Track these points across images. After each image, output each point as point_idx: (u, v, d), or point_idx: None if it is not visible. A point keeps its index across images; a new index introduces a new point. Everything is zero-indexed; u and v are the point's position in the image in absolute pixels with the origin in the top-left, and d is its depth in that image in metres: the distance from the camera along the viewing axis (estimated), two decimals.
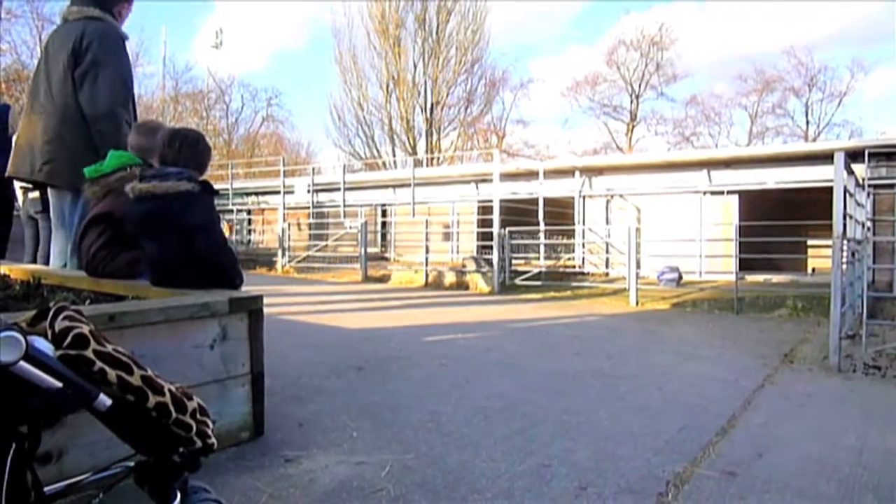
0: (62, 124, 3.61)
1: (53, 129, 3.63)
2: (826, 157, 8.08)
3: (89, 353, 1.21)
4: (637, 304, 8.05)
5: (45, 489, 1.28)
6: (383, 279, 11.61)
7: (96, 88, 3.53)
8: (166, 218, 2.67)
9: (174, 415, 1.30)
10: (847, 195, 5.30)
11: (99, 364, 1.21)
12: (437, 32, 27.61)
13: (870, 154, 9.34)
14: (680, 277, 10.45)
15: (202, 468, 1.46)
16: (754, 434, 2.80)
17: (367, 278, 11.72)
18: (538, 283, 10.02)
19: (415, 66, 27.88)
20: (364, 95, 28.30)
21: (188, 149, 2.85)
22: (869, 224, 7.53)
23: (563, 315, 7.04)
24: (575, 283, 10.04)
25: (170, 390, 1.31)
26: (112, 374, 1.23)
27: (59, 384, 1.15)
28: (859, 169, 8.85)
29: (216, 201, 2.98)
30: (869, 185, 9.18)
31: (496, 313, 7.15)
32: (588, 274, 11.76)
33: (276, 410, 2.88)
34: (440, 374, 3.92)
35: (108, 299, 2.79)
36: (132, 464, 1.40)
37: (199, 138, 2.97)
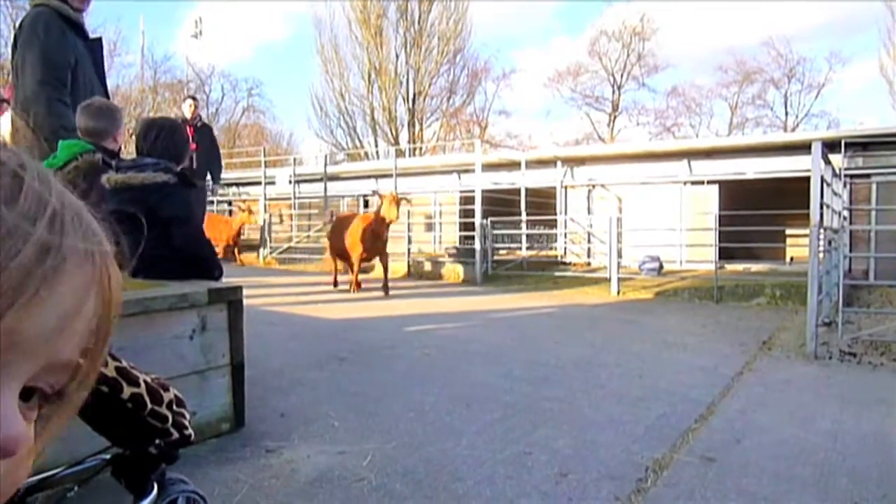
0: (17, 116, 3.55)
1: (12, 122, 3.58)
2: (804, 148, 8.16)
3: None
4: (618, 293, 8.11)
5: None
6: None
7: (24, 73, 3.42)
8: (142, 210, 2.63)
9: (149, 406, 1.28)
10: (824, 185, 5.37)
11: None
12: (419, 22, 27.40)
13: (846, 144, 9.44)
14: (661, 267, 10.52)
15: (182, 460, 1.44)
16: (733, 420, 2.84)
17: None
18: (520, 273, 10.06)
19: (397, 57, 27.68)
20: (346, 86, 28.06)
21: (165, 139, 2.81)
22: (846, 213, 7.62)
23: (544, 305, 7.08)
24: (557, 273, 10.07)
25: (145, 381, 1.29)
26: None
27: None
28: (836, 159, 8.96)
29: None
30: (846, 175, 9.30)
31: (478, 303, 7.17)
32: (570, 264, 11.81)
33: (257, 401, 2.87)
34: (422, 363, 3.92)
35: None
36: (108, 456, 1.38)
37: (176, 128, 2.94)
